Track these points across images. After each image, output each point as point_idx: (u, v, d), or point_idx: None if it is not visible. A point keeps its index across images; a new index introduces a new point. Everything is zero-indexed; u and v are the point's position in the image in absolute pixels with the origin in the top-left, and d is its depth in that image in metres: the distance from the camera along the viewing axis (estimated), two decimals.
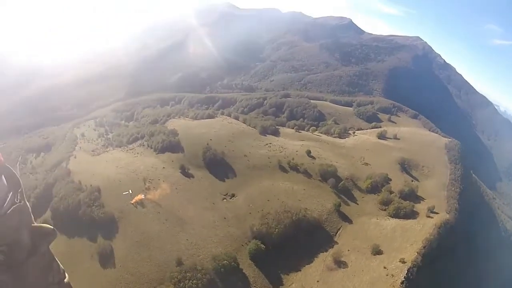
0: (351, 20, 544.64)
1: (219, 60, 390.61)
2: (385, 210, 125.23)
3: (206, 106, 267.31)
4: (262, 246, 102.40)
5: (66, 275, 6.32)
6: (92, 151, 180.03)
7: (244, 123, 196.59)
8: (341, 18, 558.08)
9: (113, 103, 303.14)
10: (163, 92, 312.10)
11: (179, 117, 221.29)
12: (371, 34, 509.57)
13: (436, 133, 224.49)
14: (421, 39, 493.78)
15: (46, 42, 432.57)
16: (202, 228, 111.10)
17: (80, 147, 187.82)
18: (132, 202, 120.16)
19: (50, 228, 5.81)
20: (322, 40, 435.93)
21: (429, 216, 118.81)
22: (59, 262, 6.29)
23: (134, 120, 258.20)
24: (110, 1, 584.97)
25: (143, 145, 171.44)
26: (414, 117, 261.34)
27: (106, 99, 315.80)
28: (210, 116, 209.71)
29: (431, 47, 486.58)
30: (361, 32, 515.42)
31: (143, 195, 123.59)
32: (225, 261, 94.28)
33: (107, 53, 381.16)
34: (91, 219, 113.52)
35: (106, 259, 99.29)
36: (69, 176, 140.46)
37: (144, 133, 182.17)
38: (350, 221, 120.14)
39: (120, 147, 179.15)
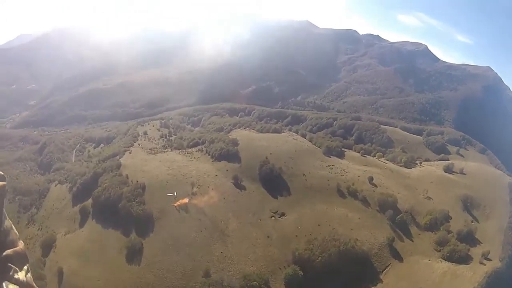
0: (426, 46, 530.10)
1: (294, 76, 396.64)
2: (439, 251, 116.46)
3: (275, 121, 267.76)
4: (300, 273, 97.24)
5: (22, 242, 6.08)
6: (150, 149, 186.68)
7: (310, 141, 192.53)
8: (417, 44, 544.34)
9: (183, 107, 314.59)
10: (234, 102, 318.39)
11: (245, 128, 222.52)
12: (445, 62, 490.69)
13: (502, 170, 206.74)
14: (492, 70, 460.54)
15: (123, 41, 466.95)
16: (241, 243, 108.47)
17: (139, 144, 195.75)
18: (175, 204, 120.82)
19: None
20: (398, 65, 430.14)
21: (481, 263, 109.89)
22: (13, 225, 6.08)
23: (200, 126, 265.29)
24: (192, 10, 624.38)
25: (202, 151, 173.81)
26: (482, 151, 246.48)
27: (176, 102, 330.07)
28: (276, 131, 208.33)
29: (501, 79, 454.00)
30: (436, 59, 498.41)
31: (188, 200, 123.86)
32: (255, 282, 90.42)
33: (183, 59, 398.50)
34: (129, 214, 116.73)
35: (134, 255, 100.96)
36: (118, 169, 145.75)
37: (205, 139, 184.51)
38: (400, 259, 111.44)
39: (179, 149, 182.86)
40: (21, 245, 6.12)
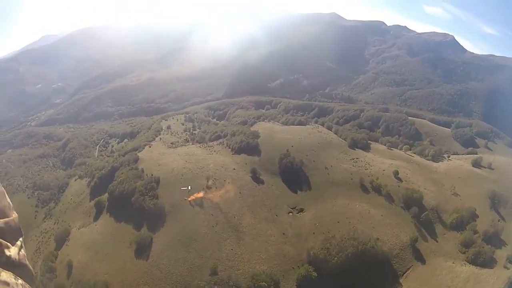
0: (453, 37, 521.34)
1: (322, 69, 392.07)
2: (464, 253, 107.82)
3: (301, 113, 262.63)
4: (314, 274, 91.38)
5: (15, 214, 5.44)
6: (171, 143, 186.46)
7: (336, 134, 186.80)
8: (445, 34, 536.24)
9: (210, 101, 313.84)
10: (261, 95, 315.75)
11: (269, 121, 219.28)
12: (473, 53, 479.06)
13: None
14: None
15: (147, 40, 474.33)
16: (254, 240, 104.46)
17: (161, 138, 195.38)
18: (189, 199, 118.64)
19: None
20: (425, 55, 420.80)
21: (505, 267, 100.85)
22: (6, 193, 5.45)
23: (225, 119, 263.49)
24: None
25: (223, 144, 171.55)
26: (510, 145, 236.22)
27: (203, 96, 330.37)
28: (301, 123, 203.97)
29: None
30: (463, 50, 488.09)
31: (202, 194, 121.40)
32: (264, 283, 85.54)
33: (212, 53, 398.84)
34: (141, 207, 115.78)
35: (142, 250, 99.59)
36: (135, 163, 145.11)
37: (227, 132, 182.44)
38: (423, 261, 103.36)
39: (200, 143, 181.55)
40: (14, 216, 5.36)
